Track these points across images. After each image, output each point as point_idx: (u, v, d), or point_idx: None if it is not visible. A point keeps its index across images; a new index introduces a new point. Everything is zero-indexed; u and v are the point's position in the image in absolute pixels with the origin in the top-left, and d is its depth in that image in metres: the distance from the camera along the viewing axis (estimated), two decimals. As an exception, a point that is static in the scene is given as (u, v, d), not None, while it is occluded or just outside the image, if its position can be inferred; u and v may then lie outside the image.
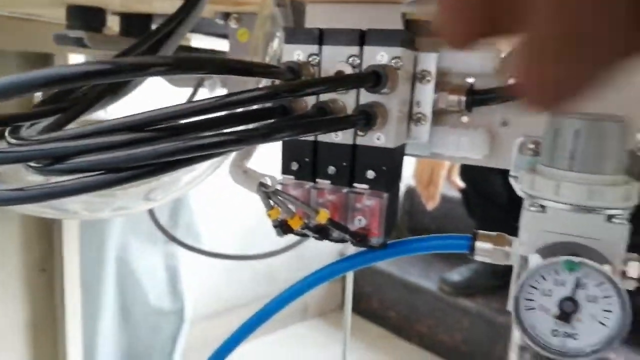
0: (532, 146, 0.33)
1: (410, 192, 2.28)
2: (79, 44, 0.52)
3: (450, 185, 1.56)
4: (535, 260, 0.26)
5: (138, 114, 0.26)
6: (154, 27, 0.61)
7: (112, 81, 0.32)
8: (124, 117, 0.25)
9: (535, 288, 0.25)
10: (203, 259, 1.22)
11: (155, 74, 0.22)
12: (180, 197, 0.99)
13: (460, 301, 1.78)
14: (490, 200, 1.67)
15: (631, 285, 0.30)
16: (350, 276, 0.89)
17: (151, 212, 0.67)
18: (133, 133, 0.25)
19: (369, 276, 2.05)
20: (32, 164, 0.25)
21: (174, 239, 0.67)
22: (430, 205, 1.43)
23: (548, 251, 0.27)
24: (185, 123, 0.26)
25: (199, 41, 0.70)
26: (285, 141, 0.33)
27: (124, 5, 0.54)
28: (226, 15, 0.48)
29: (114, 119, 0.25)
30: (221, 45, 0.70)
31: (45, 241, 0.80)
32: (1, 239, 0.74)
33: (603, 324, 0.25)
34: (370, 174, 0.31)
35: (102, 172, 0.24)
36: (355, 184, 0.32)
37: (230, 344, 0.41)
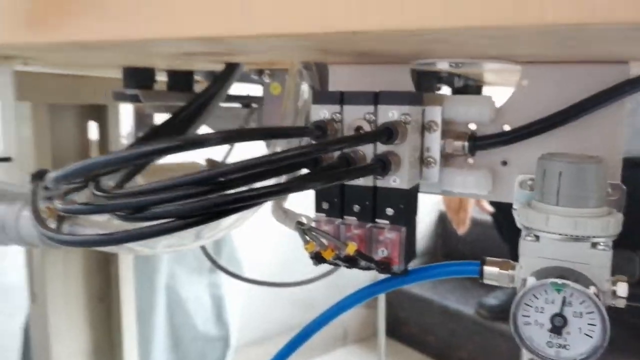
0: (530, 182, 0.38)
1: (443, 217, 2.30)
2: (135, 99, 0.60)
3: (480, 210, 1.59)
4: (530, 282, 0.31)
5: (200, 172, 0.32)
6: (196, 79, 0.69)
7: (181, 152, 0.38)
8: (190, 174, 0.32)
9: (530, 306, 0.30)
10: (245, 288, 1.28)
11: (213, 145, 0.29)
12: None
13: (497, 325, 1.78)
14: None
15: (622, 303, 0.34)
16: (382, 302, 0.93)
17: (208, 254, 0.74)
18: (197, 187, 0.31)
19: (408, 302, 2.07)
20: (117, 213, 0.32)
21: (220, 268, 0.73)
22: (461, 230, 1.46)
23: (541, 274, 0.32)
24: (240, 177, 0.32)
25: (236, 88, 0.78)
26: (316, 185, 0.39)
27: (170, 66, 0.62)
28: (260, 72, 0.55)
29: (182, 177, 0.32)
30: (256, 89, 0.77)
31: (103, 273, 0.88)
32: (64, 271, 0.82)
33: (589, 335, 0.29)
34: (390, 211, 0.37)
35: (173, 219, 0.30)
36: (377, 220, 0.37)
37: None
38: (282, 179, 0.39)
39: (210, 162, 0.73)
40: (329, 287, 1.70)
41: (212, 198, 0.30)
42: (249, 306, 1.40)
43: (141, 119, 1.17)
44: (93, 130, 0.89)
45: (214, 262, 0.73)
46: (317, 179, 0.33)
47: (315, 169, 0.35)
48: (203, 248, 0.73)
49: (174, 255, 0.99)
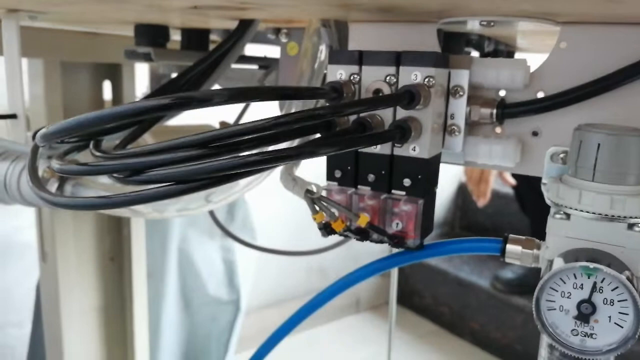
0: (563, 155, 0.35)
1: (463, 189, 2.27)
2: (147, 58, 0.58)
3: (502, 182, 1.55)
4: (558, 264, 0.29)
5: (203, 133, 0.30)
6: (212, 39, 0.66)
7: (182, 111, 0.36)
8: (191, 135, 0.29)
9: (555, 290, 0.28)
10: (258, 253, 1.28)
11: (217, 104, 0.26)
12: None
13: (514, 299, 1.76)
14: (543, 195, 1.64)
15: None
16: (394, 274, 0.91)
17: (211, 212, 0.72)
18: (198, 149, 0.29)
19: (423, 273, 2.06)
20: (115, 175, 0.30)
21: (231, 236, 0.72)
22: (481, 202, 1.42)
23: (570, 256, 0.29)
24: (242, 139, 0.30)
25: (252, 49, 0.75)
26: (329, 151, 0.37)
27: (184, 23, 0.59)
28: (277, 30, 0.52)
29: (182, 138, 0.29)
30: (273, 51, 0.74)
31: (115, 233, 0.88)
32: (76, 231, 0.82)
33: (619, 325, 0.27)
34: (407, 181, 0.34)
35: (172, 183, 0.28)
36: (393, 191, 0.35)
37: (282, 332, 0.45)
38: (294, 143, 0.37)
39: (224, 124, 0.71)
40: (344, 255, 1.70)
41: (214, 162, 0.28)
42: (262, 271, 1.40)
43: (158, 79, 1.15)
44: (107, 89, 0.87)
45: (224, 229, 0.71)
46: (329, 145, 0.30)
47: (328, 133, 0.33)
48: (213, 215, 0.72)
49: (186, 219, 0.98)
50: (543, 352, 0.35)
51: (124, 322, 0.91)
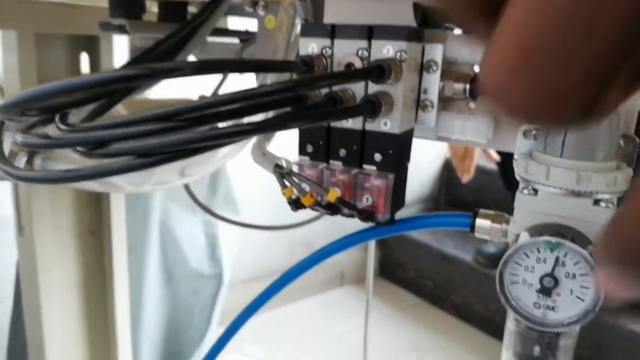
0: (534, 132, 0.35)
1: (448, 165, 2.28)
2: (122, 30, 0.56)
3: (486, 158, 1.56)
4: (523, 238, 0.29)
5: (168, 106, 0.29)
6: (190, 11, 0.64)
7: (148, 83, 0.36)
8: (157, 108, 0.29)
9: (519, 264, 0.28)
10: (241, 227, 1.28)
11: (184, 76, 0.26)
12: (216, 170, 1.04)
13: (495, 273, 1.79)
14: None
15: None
16: (372, 249, 0.92)
17: (187, 187, 0.72)
18: (163, 122, 0.28)
19: (406, 247, 2.09)
20: (78, 148, 0.29)
21: (209, 211, 0.72)
22: (465, 178, 1.43)
23: (535, 231, 0.29)
24: (209, 112, 0.30)
25: (234, 22, 0.73)
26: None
27: (160, -8, 0.57)
28: (254, 3, 0.51)
29: (148, 111, 0.29)
30: (254, 24, 0.72)
31: (94, 207, 0.87)
32: (56, 205, 0.81)
33: (581, 299, 0.27)
34: (378, 156, 0.34)
35: (136, 156, 0.27)
36: (364, 166, 0.35)
37: (259, 302, 0.45)
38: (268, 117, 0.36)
39: (203, 98, 0.70)
40: (329, 229, 1.71)
41: (179, 135, 0.27)
42: (246, 244, 1.41)
43: (138, 52, 1.13)
44: (85, 62, 0.85)
45: (199, 203, 0.71)
46: (298, 118, 0.30)
47: (298, 107, 0.32)
48: (189, 190, 0.71)
49: (167, 193, 0.97)
50: (510, 325, 0.36)
51: (104, 297, 0.91)
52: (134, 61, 0.46)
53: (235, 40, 0.69)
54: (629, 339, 1.44)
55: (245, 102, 0.30)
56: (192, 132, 0.27)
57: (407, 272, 2.09)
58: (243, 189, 1.19)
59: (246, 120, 0.30)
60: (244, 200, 1.13)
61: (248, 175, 1.41)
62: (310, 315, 1.89)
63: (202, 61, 0.27)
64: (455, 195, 2.36)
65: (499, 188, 1.88)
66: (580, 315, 0.27)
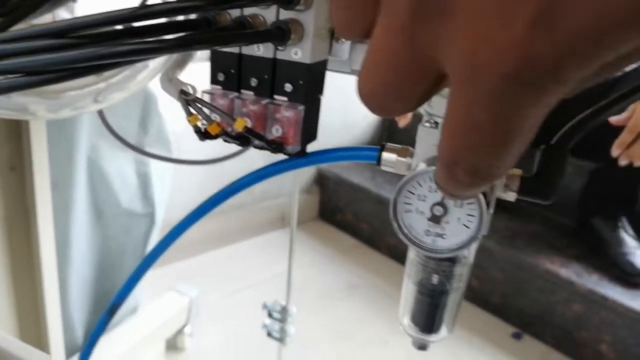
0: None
1: (390, 109, 2.30)
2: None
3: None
4: (419, 168, 0.30)
5: (60, 21, 0.27)
6: None
7: None
8: (47, 24, 0.27)
9: (412, 193, 0.29)
10: (175, 165, 1.26)
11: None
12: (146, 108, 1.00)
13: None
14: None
15: (512, 197, 0.34)
16: (296, 193, 0.93)
17: (106, 122, 0.69)
18: (54, 39, 0.27)
19: (345, 191, 2.12)
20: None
21: (134, 148, 0.69)
22: (402, 123, 1.45)
23: (432, 162, 0.30)
24: (109, 30, 0.28)
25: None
26: (212, 53, 0.35)
27: None
28: None
29: (37, 27, 0.27)
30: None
31: (14, 141, 0.83)
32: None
33: (466, 226, 0.29)
34: (288, 86, 0.34)
35: (22, 75, 0.26)
36: (276, 96, 0.34)
37: (173, 234, 0.45)
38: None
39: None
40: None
41: (70, 53, 0.26)
42: (182, 184, 1.39)
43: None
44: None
45: (123, 140, 0.69)
46: (204, 40, 0.29)
47: (205, 29, 0.31)
48: (107, 124, 0.68)
49: (96, 128, 0.93)
50: (411, 255, 0.38)
51: (28, 234, 0.88)
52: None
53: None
54: (547, 278, 1.56)
55: (146, 20, 0.29)
56: (85, 49, 0.26)
57: (346, 215, 2.14)
58: (180, 129, 1.16)
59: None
60: (180, 141, 1.11)
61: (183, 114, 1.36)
62: (249, 256, 1.92)
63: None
64: (397, 140, 2.40)
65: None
66: (464, 242, 0.29)
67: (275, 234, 2.07)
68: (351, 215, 2.12)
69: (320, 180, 2.22)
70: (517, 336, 1.60)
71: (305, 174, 2.18)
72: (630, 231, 1.54)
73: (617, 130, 1.45)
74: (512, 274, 1.63)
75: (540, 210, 1.83)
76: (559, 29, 0.12)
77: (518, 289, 1.63)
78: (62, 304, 0.94)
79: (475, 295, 1.72)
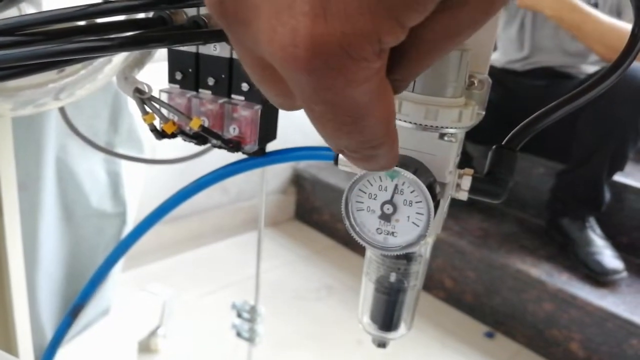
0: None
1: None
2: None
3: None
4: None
5: (10, 18, 0.27)
6: None
7: None
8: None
9: (363, 192, 0.30)
10: (146, 165, 1.25)
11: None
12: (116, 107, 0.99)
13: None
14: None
15: (464, 196, 0.34)
16: (263, 195, 0.93)
17: (69, 122, 0.68)
18: (4, 37, 0.27)
19: (322, 191, 2.13)
20: None
21: (89, 142, 0.68)
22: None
23: (384, 162, 0.31)
24: (63, 28, 0.28)
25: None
26: (170, 52, 0.35)
27: None
28: None
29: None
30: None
31: (-21, 140, 0.81)
32: None
33: (416, 224, 0.29)
34: (245, 86, 0.34)
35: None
36: (233, 96, 0.35)
37: (142, 227, 0.45)
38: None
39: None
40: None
41: (20, 50, 0.26)
42: (154, 184, 1.38)
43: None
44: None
45: (87, 140, 0.68)
46: (159, 39, 0.29)
47: (159, 28, 0.31)
48: (72, 126, 0.67)
49: (65, 128, 0.92)
50: (368, 253, 0.38)
51: (-6, 233, 0.87)
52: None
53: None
54: (517, 277, 1.58)
55: (99, 17, 0.29)
56: (35, 47, 0.26)
57: (322, 215, 2.14)
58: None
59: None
60: (153, 139, 1.09)
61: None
62: (224, 257, 1.91)
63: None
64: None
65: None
66: (414, 239, 0.29)
67: (250, 234, 2.06)
68: (328, 215, 2.12)
69: (297, 180, 2.22)
70: (489, 335, 1.63)
71: (282, 174, 2.18)
72: (598, 231, 1.57)
73: (586, 131, 1.49)
74: (484, 274, 1.66)
75: (513, 211, 1.86)
76: (331, 15, 0.13)
77: (490, 288, 1.65)
78: (30, 306, 0.93)
79: (449, 296, 1.74)
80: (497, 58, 1.79)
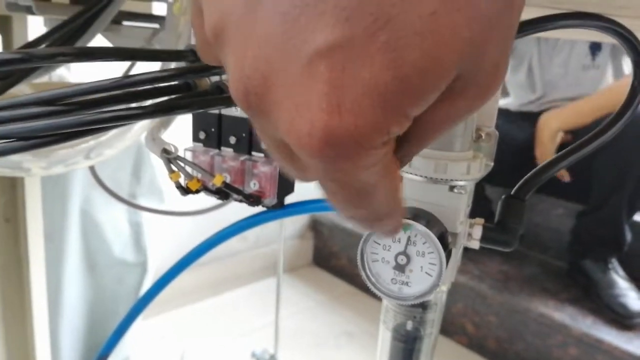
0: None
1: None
2: (28, 11, 0.55)
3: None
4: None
5: (50, 90, 0.30)
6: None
7: (26, 67, 0.36)
8: (38, 92, 0.30)
9: (378, 243, 0.31)
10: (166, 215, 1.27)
11: (62, 62, 0.27)
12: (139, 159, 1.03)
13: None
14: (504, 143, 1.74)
15: (476, 245, 0.35)
16: (281, 246, 0.94)
17: (96, 176, 0.71)
18: (45, 106, 0.29)
19: (340, 236, 2.13)
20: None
21: (124, 201, 0.71)
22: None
23: (397, 214, 0.32)
24: (95, 98, 0.31)
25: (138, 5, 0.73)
26: (194, 113, 0.38)
27: (71, -26, 0.57)
28: (162, -11, 0.52)
29: (28, 95, 0.30)
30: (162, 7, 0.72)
31: (9, 193, 0.85)
32: (-33, 190, 0.78)
33: (429, 274, 0.30)
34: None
35: (14, 140, 0.28)
36: (253, 153, 0.37)
37: (166, 278, 0.46)
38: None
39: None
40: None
41: (59, 120, 0.28)
42: (174, 233, 1.40)
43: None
44: (-1, 42, 0.82)
45: (114, 194, 0.71)
46: (185, 105, 0.31)
47: (185, 94, 0.34)
48: (97, 177, 0.71)
49: (90, 180, 0.96)
50: (385, 302, 0.39)
51: (21, 285, 0.89)
52: (31, 44, 0.46)
53: (156, 26, 0.69)
54: (541, 322, 1.55)
55: (132, 88, 0.31)
56: (71, 117, 0.29)
57: (340, 260, 2.14)
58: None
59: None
60: (172, 189, 1.13)
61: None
62: (242, 304, 1.90)
63: (81, 48, 0.28)
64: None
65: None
66: (428, 289, 0.30)
67: (269, 280, 2.06)
68: (346, 260, 2.12)
69: (314, 225, 2.23)
70: (515, 382, 1.58)
71: (299, 220, 2.20)
72: (622, 272, 1.55)
73: (602, 172, 1.48)
74: (507, 318, 1.62)
75: (533, 253, 1.84)
76: (346, 111, 0.15)
77: (513, 333, 1.61)
78: (53, 355, 0.94)
79: (472, 341, 1.71)
80: (510, 102, 1.81)
